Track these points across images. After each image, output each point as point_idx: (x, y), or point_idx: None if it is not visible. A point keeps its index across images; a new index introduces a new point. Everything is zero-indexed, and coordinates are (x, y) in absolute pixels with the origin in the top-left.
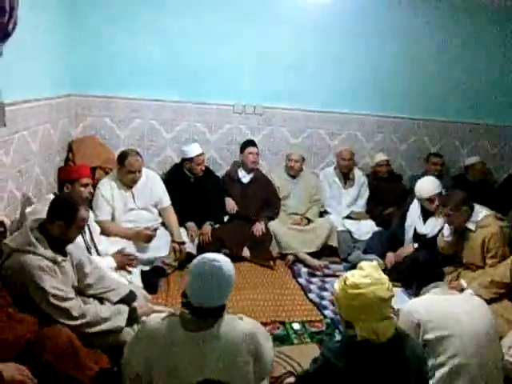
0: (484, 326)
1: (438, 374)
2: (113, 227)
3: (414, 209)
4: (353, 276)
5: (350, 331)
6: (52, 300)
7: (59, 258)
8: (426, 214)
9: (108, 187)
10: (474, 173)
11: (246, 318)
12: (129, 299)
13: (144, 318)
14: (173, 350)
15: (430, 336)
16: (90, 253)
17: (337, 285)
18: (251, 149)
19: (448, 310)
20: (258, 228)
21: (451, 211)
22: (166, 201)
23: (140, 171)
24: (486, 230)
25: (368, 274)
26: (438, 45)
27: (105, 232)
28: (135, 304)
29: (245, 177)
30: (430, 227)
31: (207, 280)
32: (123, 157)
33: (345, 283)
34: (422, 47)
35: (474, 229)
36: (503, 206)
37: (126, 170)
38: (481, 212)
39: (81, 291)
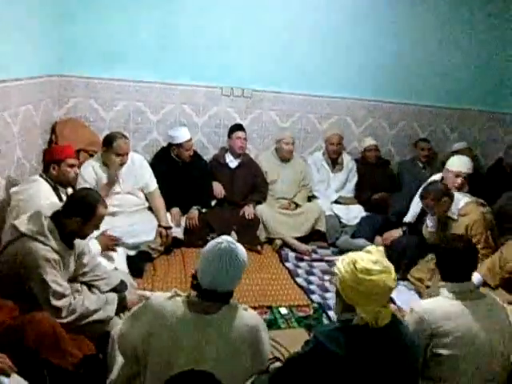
0: (501, 339)
1: None
2: None
3: None
4: (362, 260)
5: (346, 315)
6: (50, 296)
7: (66, 253)
8: None
9: (91, 170)
10: None
11: (250, 310)
12: (119, 289)
13: (148, 295)
14: (175, 330)
15: (441, 351)
16: None
17: (342, 266)
18: (239, 133)
19: (466, 327)
20: (250, 211)
21: (432, 202)
22: (153, 185)
23: (127, 154)
24: (468, 217)
25: (378, 260)
26: (428, 32)
27: None
28: (125, 293)
29: (232, 161)
30: None
31: (220, 261)
32: (110, 139)
33: (354, 267)
34: (414, 36)
35: (456, 217)
36: (490, 192)
37: (114, 152)
38: (461, 200)
39: (73, 278)
